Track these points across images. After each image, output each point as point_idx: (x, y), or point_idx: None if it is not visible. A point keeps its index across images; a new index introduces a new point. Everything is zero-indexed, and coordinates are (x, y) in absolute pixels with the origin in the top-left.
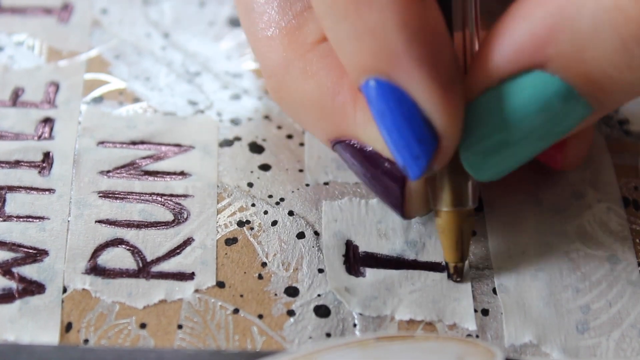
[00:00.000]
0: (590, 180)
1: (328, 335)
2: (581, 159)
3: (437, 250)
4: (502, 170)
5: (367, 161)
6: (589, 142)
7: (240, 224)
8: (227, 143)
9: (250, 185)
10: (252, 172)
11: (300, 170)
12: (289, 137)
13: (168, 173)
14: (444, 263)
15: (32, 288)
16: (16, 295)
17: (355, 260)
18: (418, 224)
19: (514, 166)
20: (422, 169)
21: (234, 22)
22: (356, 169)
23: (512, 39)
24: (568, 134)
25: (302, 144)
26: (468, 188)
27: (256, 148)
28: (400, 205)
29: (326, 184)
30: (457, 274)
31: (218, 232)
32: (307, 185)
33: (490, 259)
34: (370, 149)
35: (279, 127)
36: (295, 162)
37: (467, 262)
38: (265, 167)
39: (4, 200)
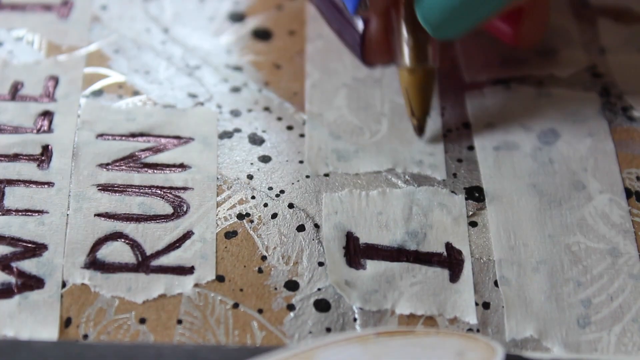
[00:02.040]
0: (592, 169)
1: (328, 330)
2: (536, 37)
3: (439, 240)
4: (457, 28)
5: (334, 8)
6: (543, 21)
7: (240, 216)
8: (227, 135)
9: (250, 177)
10: (252, 163)
11: (301, 162)
12: (289, 128)
13: (167, 165)
14: (410, 120)
15: (31, 283)
16: (15, 290)
17: (356, 251)
18: (419, 214)
19: (469, 23)
20: (355, 2)
21: (234, 17)
22: (327, 17)
23: None
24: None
25: (302, 135)
26: (428, 46)
27: (256, 139)
28: (361, 50)
29: (326, 175)
30: (420, 130)
31: (218, 225)
32: (307, 176)
33: (492, 251)
34: None
35: (279, 119)
36: (296, 153)
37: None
38: (265, 159)
39: (3, 194)
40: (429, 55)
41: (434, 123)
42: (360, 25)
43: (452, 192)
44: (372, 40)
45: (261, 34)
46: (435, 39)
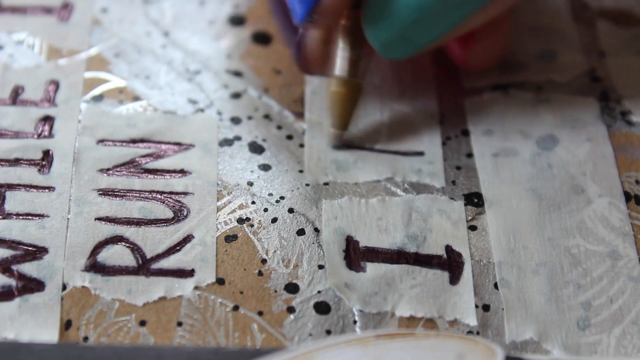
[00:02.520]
0: (591, 173)
1: (328, 332)
2: (487, 62)
3: (439, 243)
4: (404, 49)
5: (280, 9)
6: (497, 49)
7: (240, 221)
8: (227, 142)
9: (250, 183)
10: (252, 171)
11: (300, 171)
12: (289, 137)
13: (168, 171)
14: (328, 131)
15: (32, 285)
16: (16, 293)
17: (356, 254)
18: (418, 220)
19: (414, 47)
20: (304, 13)
21: (234, 21)
22: (273, 17)
23: None
24: (466, 26)
25: (302, 145)
26: (361, 62)
27: (256, 148)
28: (297, 57)
29: (326, 184)
30: (337, 140)
31: (218, 229)
32: (307, 185)
33: (492, 253)
34: None
35: (279, 127)
36: (295, 162)
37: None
38: (265, 167)
39: (4, 198)
40: (361, 71)
41: (432, 131)
42: (298, 33)
43: (451, 198)
44: (309, 49)
45: (261, 38)
46: (369, 57)
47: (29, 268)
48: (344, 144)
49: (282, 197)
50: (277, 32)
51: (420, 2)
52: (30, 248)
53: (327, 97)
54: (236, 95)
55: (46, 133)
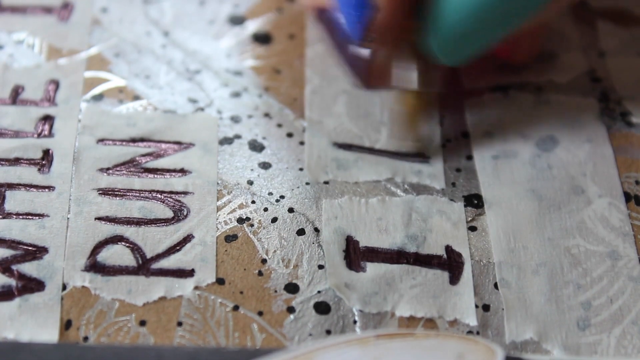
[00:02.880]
0: (590, 174)
1: (328, 332)
2: (532, 53)
3: (439, 243)
4: (466, 54)
5: (338, 34)
6: (540, 39)
7: (240, 220)
8: (227, 141)
9: (250, 182)
10: (252, 170)
11: (301, 169)
12: (289, 135)
13: (168, 170)
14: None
15: (32, 285)
16: (16, 293)
17: (356, 254)
18: (418, 220)
19: (476, 51)
20: (360, 31)
21: (234, 20)
22: (331, 42)
23: None
24: (529, 20)
25: (302, 143)
26: (434, 74)
27: (256, 146)
28: (365, 77)
29: (326, 183)
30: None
31: (218, 229)
32: (307, 183)
33: (492, 254)
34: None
35: (279, 125)
36: (296, 160)
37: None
38: (265, 165)
39: (4, 198)
40: (437, 81)
41: (432, 133)
42: (363, 51)
43: (451, 200)
44: (376, 67)
45: (261, 38)
46: (441, 66)
47: (29, 268)
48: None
49: (282, 197)
50: (311, 51)
51: (479, 10)
52: (30, 248)
53: (405, 111)
54: (236, 94)
55: (46, 132)
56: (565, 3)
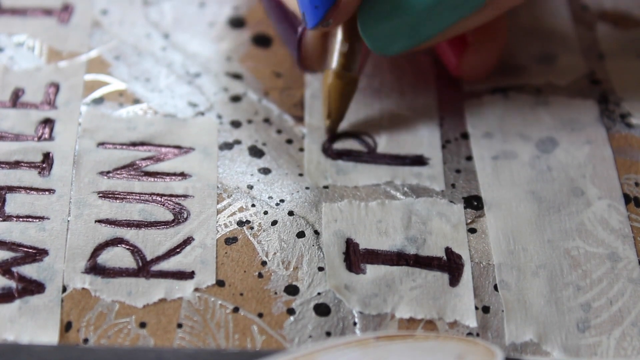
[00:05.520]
0: (590, 176)
1: (328, 334)
2: (478, 72)
3: (438, 245)
4: (396, 45)
5: (279, 10)
6: (490, 59)
7: (240, 223)
8: (227, 146)
9: (250, 187)
10: (252, 175)
11: (300, 175)
12: (289, 142)
13: (168, 174)
14: (325, 120)
15: (32, 287)
16: (16, 295)
17: (356, 256)
18: (418, 222)
19: (406, 44)
20: (319, 18)
21: (235, 23)
22: (270, 18)
23: None
24: (460, 27)
25: (301, 149)
26: (358, 56)
27: (256, 152)
28: (297, 54)
29: (326, 187)
30: (332, 131)
31: (218, 231)
32: (307, 188)
33: (492, 255)
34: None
35: (279, 132)
36: (295, 166)
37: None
38: (265, 171)
39: (4, 201)
40: (356, 65)
41: (431, 134)
42: (298, 29)
43: (451, 201)
44: (308, 45)
45: (261, 41)
46: (366, 52)
47: (29, 270)
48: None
49: (282, 200)
50: (275, 34)
51: (415, 2)
52: (30, 250)
53: (323, 89)
54: (236, 99)
55: (46, 136)
56: (503, 9)
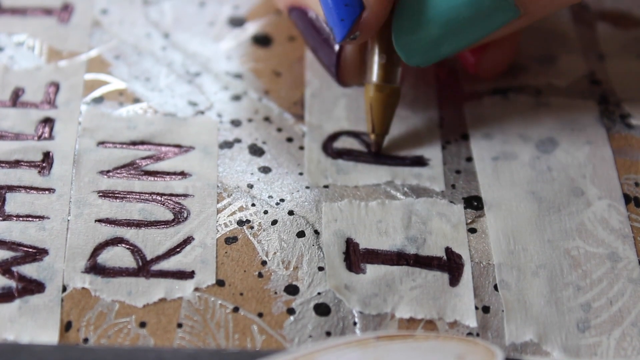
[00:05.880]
0: (590, 176)
1: (328, 333)
2: (497, 69)
3: (438, 245)
4: (429, 57)
5: (312, 28)
6: (508, 56)
7: (240, 223)
8: (227, 145)
9: (250, 186)
10: (252, 174)
11: (300, 174)
12: (289, 140)
13: (168, 173)
14: (369, 135)
15: (32, 287)
16: (16, 294)
17: (356, 256)
18: (418, 222)
19: (440, 55)
20: (345, 31)
21: (234, 22)
22: (305, 36)
23: None
24: (493, 35)
25: (302, 148)
26: (399, 67)
27: (256, 150)
28: (336, 70)
29: (326, 187)
30: (378, 146)
31: (218, 231)
32: (307, 187)
33: (492, 255)
34: (314, 15)
35: (279, 130)
36: (295, 165)
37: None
38: (265, 170)
39: (4, 200)
40: (398, 77)
41: (432, 135)
42: (335, 45)
43: (451, 202)
44: (347, 60)
45: (261, 40)
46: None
47: (29, 269)
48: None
49: (282, 200)
50: (311, 53)
51: (450, 15)
52: (30, 249)
53: (365, 103)
54: (236, 98)
55: (46, 135)
56: (537, 18)
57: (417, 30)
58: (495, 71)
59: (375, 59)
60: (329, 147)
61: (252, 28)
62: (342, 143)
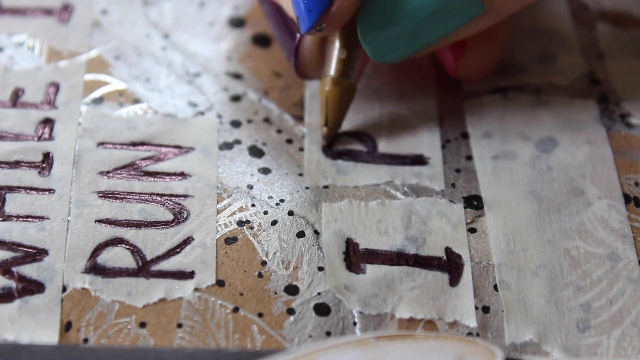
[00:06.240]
0: (590, 176)
1: (328, 334)
2: (476, 73)
3: (438, 245)
4: (396, 53)
5: (279, 19)
6: (489, 61)
7: (240, 223)
8: (227, 146)
9: (250, 187)
10: (252, 174)
11: (300, 175)
12: (289, 141)
13: (168, 174)
14: (321, 128)
15: (32, 287)
16: (16, 295)
17: (356, 256)
18: (418, 222)
19: (407, 51)
20: (311, 22)
21: (234, 23)
22: (271, 26)
23: None
24: (462, 32)
25: (301, 149)
26: (357, 63)
27: (256, 152)
28: (295, 62)
29: (326, 187)
30: (329, 139)
31: (218, 231)
32: (307, 188)
33: (492, 255)
34: (278, 4)
35: (279, 131)
36: (295, 166)
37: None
38: (265, 171)
39: (4, 200)
40: (355, 72)
41: (431, 134)
42: (296, 36)
43: (451, 201)
44: (305, 52)
45: (261, 40)
46: (365, 58)
47: (29, 270)
48: (332, 143)
49: (282, 200)
50: (275, 39)
51: (417, 10)
52: (30, 250)
53: (320, 96)
54: (236, 98)
55: (46, 135)
56: (503, 15)
57: (384, 26)
58: (475, 75)
59: (335, 53)
60: (329, 148)
61: (252, 29)
62: (342, 143)
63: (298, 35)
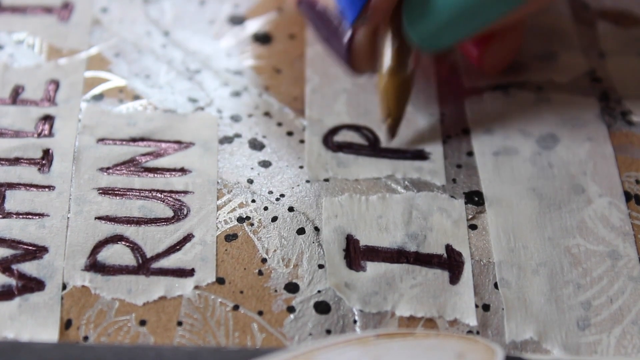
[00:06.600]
0: (591, 173)
1: (328, 331)
2: (502, 63)
3: (439, 242)
4: (441, 41)
5: (321, 19)
6: (511, 52)
7: (240, 220)
8: (227, 140)
9: (250, 181)
10: (252, 168)
11: (301, 167)
12: (289, 134)
13: (168, 170)
14: (383, 121)
15: (32, 285)
16: (16, 292)
17: (356, 254)
18: (419, 218)
19: (451, 39)
20: (356, 13)
21: (234, 20)
22: (315, 28)
23: None
24: (499, 20)
25: (302, 141)
26: (412, 53)
27: (256, 145)
28: (347, 57)
29: (326, 180)
30: (393, 132)
31: (218, 228)
32: (308, 181)
33: (492, 253)
34: (322, 7)
35: (279, 124)
36: (296, 158)
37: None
38: (265, 164)
39: (4, 197)
40: (411, 62)
41: (433, 130)
42: (346, 33)
43: (452, 197)
44: (358, 47)
45: (261, 38)
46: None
47: (29, 267)
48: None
49: (282, 195)
50: (311, 51)
51: (456, 2)
52: (30, 247)
53: (378, 90)
54: (236, 94)
55: (46, 132)
56: (541, 6)
57: (428, 15)
58: (498, 66)
59: (388, 44)
60: (330, 140)
61: (252, 26)
62: (343, 136)
63: (349, 33)
